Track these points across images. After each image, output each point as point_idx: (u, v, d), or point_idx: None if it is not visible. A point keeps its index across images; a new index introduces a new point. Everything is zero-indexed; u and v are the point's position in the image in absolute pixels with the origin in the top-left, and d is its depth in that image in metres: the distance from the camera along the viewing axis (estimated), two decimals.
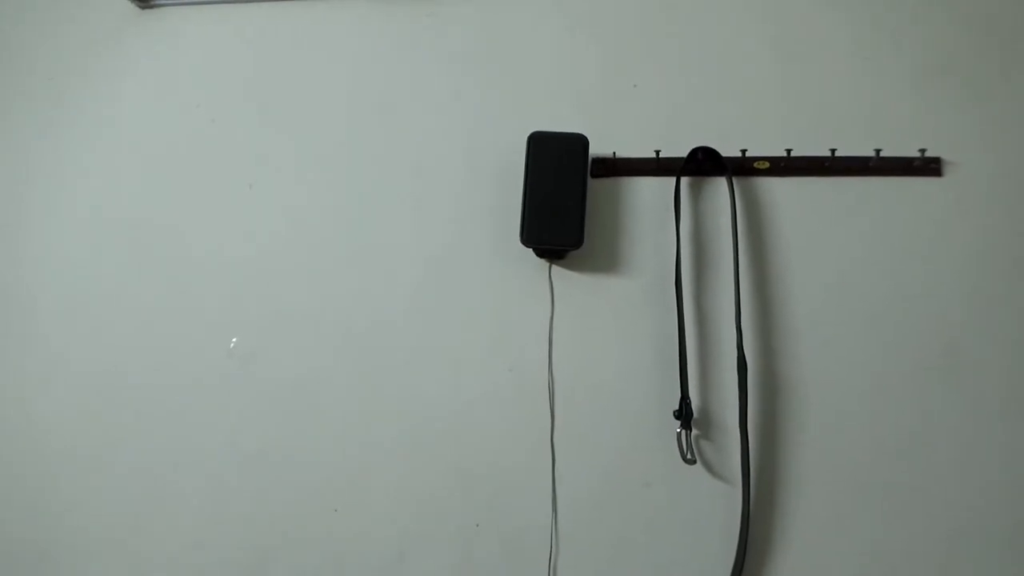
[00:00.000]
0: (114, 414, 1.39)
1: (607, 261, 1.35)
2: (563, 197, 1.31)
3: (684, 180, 1.37)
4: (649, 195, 1.38)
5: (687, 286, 1.32)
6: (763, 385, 1.27)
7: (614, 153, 1.40)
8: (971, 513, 1.19)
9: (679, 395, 1.24)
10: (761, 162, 1.35)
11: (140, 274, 1.46)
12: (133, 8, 1.64)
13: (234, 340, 1.38)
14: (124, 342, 1.43)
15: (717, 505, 1.23)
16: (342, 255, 1.44)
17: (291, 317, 1.39)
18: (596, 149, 1.39)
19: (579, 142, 1.34)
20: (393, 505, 1.30)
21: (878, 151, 1.32)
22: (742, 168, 1.35)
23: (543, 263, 1.36)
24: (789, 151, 1.34)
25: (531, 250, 1.35)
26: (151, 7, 1.65)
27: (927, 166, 1.32)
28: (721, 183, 1.35)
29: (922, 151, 1.31)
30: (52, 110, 1.60)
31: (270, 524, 1.29)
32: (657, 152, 1.37)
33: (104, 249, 1.49)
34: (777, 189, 1.36)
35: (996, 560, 1.17)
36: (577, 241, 1.30)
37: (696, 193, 1.37)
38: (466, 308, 1.37)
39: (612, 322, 1.33)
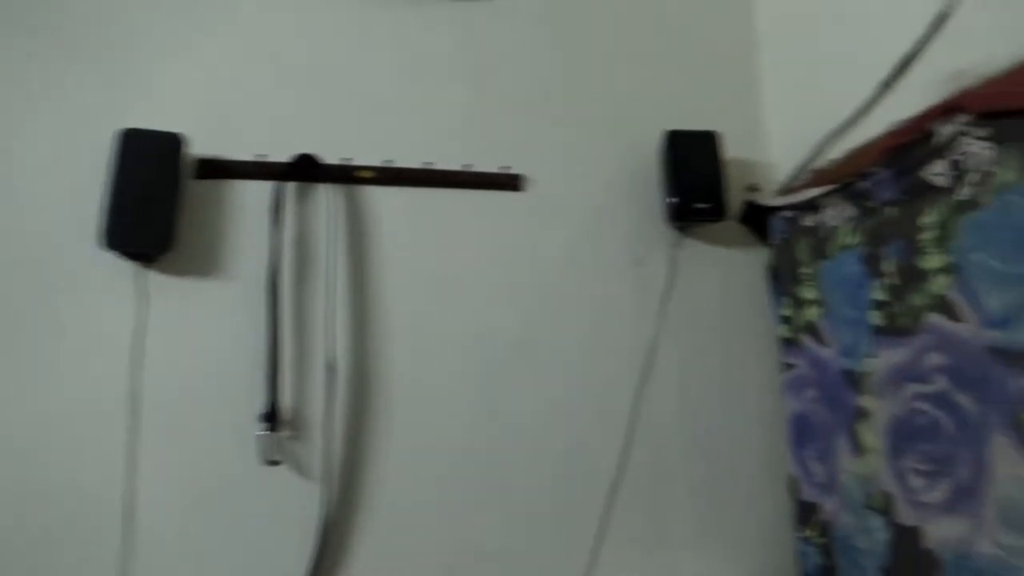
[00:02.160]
0: None
1: (205, 265, 1.48)
2: (153, 198, 1.43)
3: (289, 186, 1.57)
4: (252, 199, 1.52)
5: (288, 291, 1.50)
6: (355, 387, 1.49)
7: (218, 155, 1.54)
8: (540, 495, 1.52)
9: (266, 397, 1.39)
10: (364, 171, 1.62)
11: None
12: None
13: None
14: None
15: (302, 504, 1.40)
16: None
17: None
18: (200, 150, 1.51)
19: (173, 141, 1.46)
20: None
21: (468, 166, 1.66)
22: (344, 176, 1.59)
23: (132, 267, 1.45)
24: (389, 161, 1.61)
25: (117, 255, 1.39)
26: None
27: (510, 181, 1.68)
28: (324, 190, 1.58)
29: (505, 168, 1.68)
30: None
31: None
32: (261, 156, 1.55)
33: None
34: (378, 197, 1.60)
35: (547, 535, 1.53)
36: (166, 243, 1.42)
37: (301, 199, 1.58)
38: (49, 316, 1.41)
39: (206, 327, 1.44)
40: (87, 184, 1.42)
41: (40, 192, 1.43)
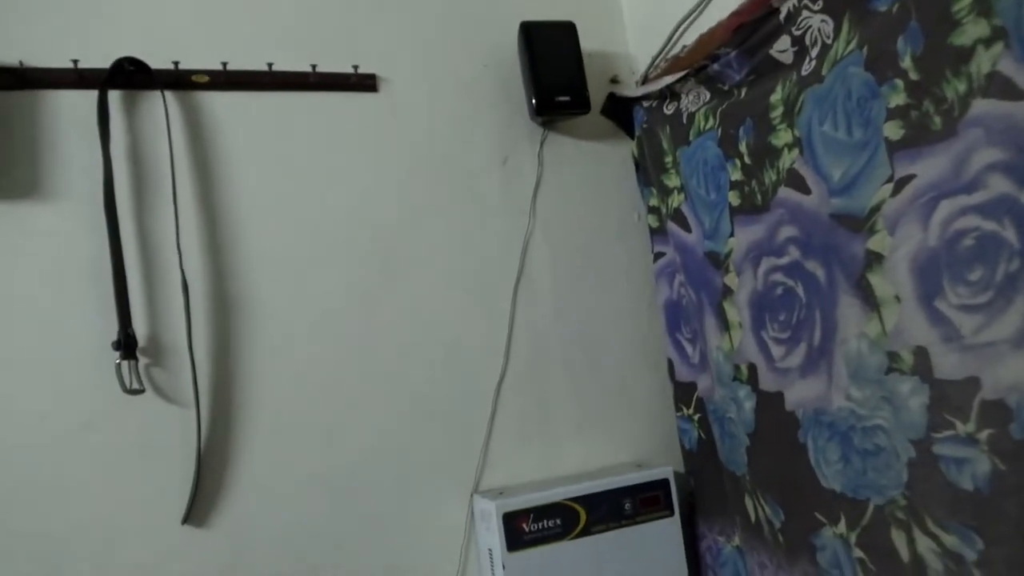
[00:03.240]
0: None
1: (24, 187, 1.38)
2: None
3: (113, 95, 1.48)
4: (71, 111, 1.42)
5: (126, 209, 1.43)
6: (212, 305, 1.46)
7: (20, 62, 1.43)
8: (425, 398, 1.61)
9: (119, 325, 1.34)
10: (199, 75, 1.56)
11: None
12: None
13: None
14: None
15: (173, 429, 1.39)
16: None
17: None
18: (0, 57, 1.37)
19: None
20: None
21: (314, 66, 1.63)
22: (178, 82, 1.52)
23: None
24: (225, 64, 1.56)
25: None
26: None
27: (363, 82, 1.67)
28: (156, 98, 1.52)
29: (356, 67, 1.67)
30: None
31: None
32: (75, 62, 1.45)
33: None
34: (217, 103, 1.54)
35: (432, 435, 1.62)
36: None
37: (128, 109, 1.50)
38: None
39: (37, 255, 1.36)
40: None
41: None
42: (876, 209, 1.07)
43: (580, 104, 1.62)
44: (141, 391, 1.35)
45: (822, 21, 1.14)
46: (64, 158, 1.41)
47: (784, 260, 1.24)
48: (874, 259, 1.07)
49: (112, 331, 1.35)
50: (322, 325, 1.51)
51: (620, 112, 1.72)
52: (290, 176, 1.54)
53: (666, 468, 1.49)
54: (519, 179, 1.70)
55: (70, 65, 1.42)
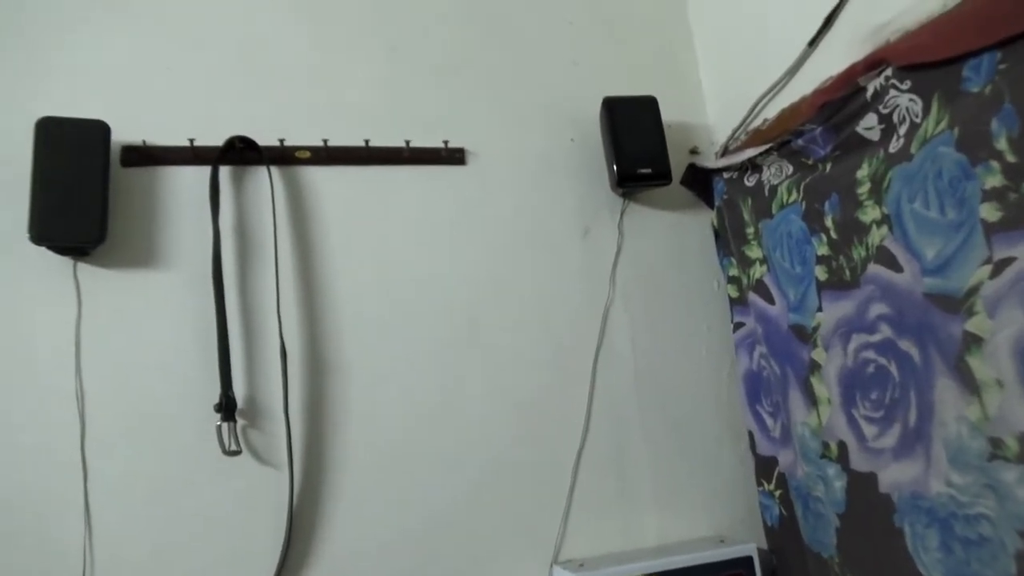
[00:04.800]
0: None
1: (141, 255, 1.49)
2: (80, 188, 1.43)
3: (224, 170, 1.60)
4: (185, 185, 1.54)
5: (231, 278, 1.53)
6: (306, 370, 1.53)
7: (144, 141, 1.57)
8: (506, 466, 1.62)
9: (221, 388, 1.42)
10: (302, 151, 1.67)
11: None
12: None
13: None
14: None
15: (267, 490, 1.44)
16: None
17: None
18: (124, 136, 1.53)
19: (98, 128, 1.46)
20: None
21: (408, 142, 1.74)
22: (282, 157, 1.64)
23: (67, 262, 1.49)
24: (326, 141, 1.68)
25: (48, 249, 1.39)
26: None
27: (452, 156, 1.76)
28: (262, 172, 1.64)
29: (446, 142, 1.77)
30: None
31: None
32: (191, 140, 1.58)
33: None
34: (317, 177, 1.64)
35: (513, 501, 1.61)
36: (98, 235, 1.44)
37: (237, 183, 1.63)
38: None
39: (149, 319, 1.45)
40: (10, 179, 1.41)
41: None
42: (974, 291, 1.06)
43: (661, 175, 1.67)
44: (238, 452, 1.41)
45: (910, 100, 1.16)
46: (178, 229, 1.52)
47: (876, 337, 1.24)
48: (972, 341, 1.06)
49: (213, 393, 1.41)
50: (407, 391, 1.56)
51: (700, 182, 1.76)
52: (383, 246, 1.62)
53: (749, 545, 1.48)
54: (600, 249, 1.75)
55: (187, 143, 1.52)
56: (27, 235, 1.35)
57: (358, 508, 1.48)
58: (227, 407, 1.41)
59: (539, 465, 1.59)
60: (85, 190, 1.41)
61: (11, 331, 1.39)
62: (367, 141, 1.62)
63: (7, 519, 1.32)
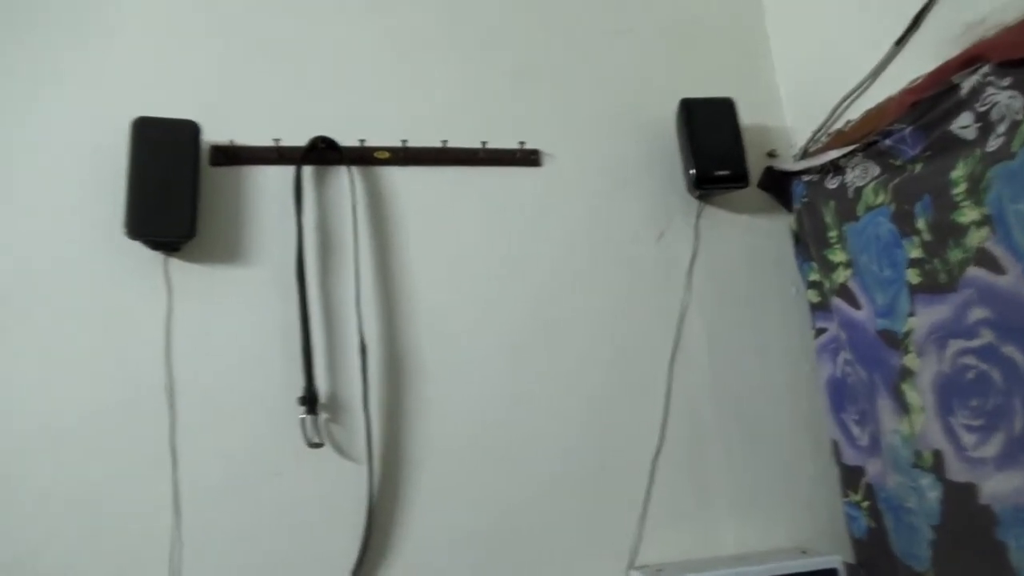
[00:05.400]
0: None
1: (228, 251, 1.54)
2: (172, 186, 1.49)
3: (307, 169, 1.64)
4: (271, 184, 1.59)
5: (312, 274, 1.56)
6: (384, 365, 1.55)
7: (231, 141, 1.62)
8: (565, 463, 1.61)
9: (304, 382, 1.45)
10: (381, 152, 1.70)
11: None
12: None
13: None
14: None
15: (347, 483, 1.46)
16: None
17: None
18: (213, 136, 1.58)
19: (189, 128, 1.52)
20: (6, 512, 1.34)
21: (484, 143, 1.75)
22: (362, 158, 1.66)
23: (158, 257, 1.54)
24: (405, 141, 1.70)
25: (143, 244, 1.45)
26: None
27: (527, 157, 1.77)
28: (342, 172, 1.67)
29: (521, 143, 1.78)
30: None
31: None
32: (276, 140, 1.63)
33: None
34: (396, 177, 1.67)
35: (586, 502, 1.61)
36: (189, 232, 1.49)
37: (319, 182, 1.67)
38: (70, 309, 1.45)
39: (235, 314, 1.49)
40: (106, 176, 1.48)
41: (60, 185, 1.50)
42: None
43: (739, 178, 1.65)
44: (321, 445, 1.43)
45: (1010, 97, 1.12)
46: (262, 227, 1.56)
47: (976, 343, 1.19)
48: None
49: (296, 386, 1.44)
50: (482, 389, 1.57)
51: (777, 186, 1.73)
52: (458, 245, 1.64)
53: (834, 557, 1.43)
54: (673, 252, 1.73)
55: (272, 143, 1.55)
56: (123, 230, 1.40)
57: (434, 503, 1.49)
58: (310, 401, 1.43)
59: (613, 467, 1.58)
60: (177, 187, 1.46)
61: (105, 323, 1.45)
62: (444, 142, 1.63)
63: (99, 506, 1.37)
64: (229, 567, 1.38)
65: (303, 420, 1.42)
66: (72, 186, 1.48)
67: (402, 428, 1.50)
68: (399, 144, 1.62)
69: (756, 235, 1.75)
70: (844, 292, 1.51)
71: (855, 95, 1.52)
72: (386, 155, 1.57)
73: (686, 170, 1.68)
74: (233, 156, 1.56)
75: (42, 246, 1.45)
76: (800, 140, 1.71)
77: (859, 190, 1.44)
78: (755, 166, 1.73)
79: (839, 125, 1.56)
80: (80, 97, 1.53)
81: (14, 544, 1.31)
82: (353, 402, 1.49)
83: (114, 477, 1.38)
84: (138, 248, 1.45)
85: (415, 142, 1.64)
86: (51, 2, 1.56)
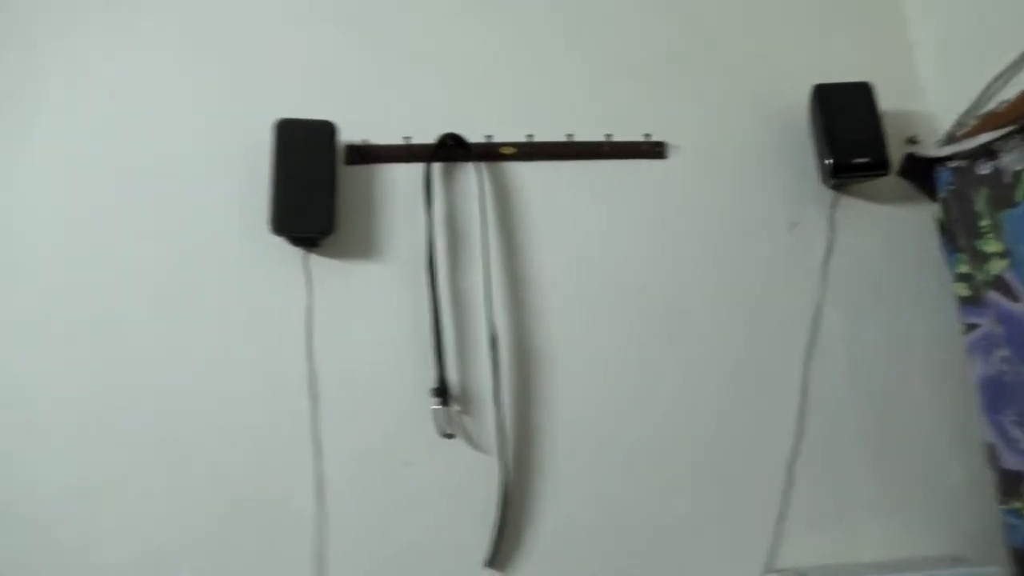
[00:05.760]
0: None
1: (363, 247, 1.59)
2: (312, 184, 1.55)
3: (435, 166, 1.67)
4: (402, 181, 1.63)
5: (442, 268, 1.59)
6: (514, 358, 1.57)
7: (364, 140, 1.68)
8: (695, 459, 1.59)
9: (436, 373, 1.48)
10: (507, 147, 1.73)
11: None
12: None
13: None
14: None
15: (478, 474, 1.48)
16: (82, 255, 1.57)
17: (32, 319, 1.53)
18: (348, 136, 1.64)
19: (326, 129, 1.58)
20: (149, 506, 1.44)
21: (609, 136, 1.75)
22: (489, 153, 1.69)
23: (298, 252, 1.61)
24: (530, 136, 1.72)
25: (284, 239, 1.52)
26: None
27: (653, 149, 1.75)
28: (470, 168, 1.70)
29: (647, 136, 1.76)
30: None
31: None
32: (407, 139, 1.67)
33: None
34: (522, 172, 1.68)
35: (718, 501, 1.57)
36: (328, 228, 1.55)
37: (448, 178, 1.70)
38: (217, 302, 1.53)
39: (370, 307, 1.54)
40: (250, 176, 1.57)
41: (206, 184, 1.61)
42: None
43: (879, 165, 1.57)
44: (453, 436, 1.44)
45: None
46: (394, 223, 1.61)
47: None
48: None
49: (428, 378, 1.47)
50: (610, 383, 1.56)
51: (920, 173, 1.62)
52: (585, 238, 1.63)
53: (993, 568, 1.33)
54: (807, 244, 1.66)
55: (403, 142, 1.59)
56: (267, 227, 1.46)
57: (564, 497, 1.49)
58: (443, 392, 1.45)
59: (746, 466, 1.54)
60: (317, 185, 1.52)
61: (249, 316, 1.54)
62: (569, 136, 1.63)
63: (243, 492, 1.46)
64: (368, 554, 1.43)
65: (436, 411, 1.42)
66: (222, 186, 1.60)
67: (531, 420, 1.50)
68: (524, 139, 1.61)
69: (896, 225, 1.66)
70: (1000, 284, 1.41)
71: (1009, 73, 1.39)
72: (512, 150, 1.58)
73: (820, 159, 1.59)
74: (367, 155, 1.61)
75: (200, 246, 1.57)
76: (944, 125, 1.60)
77: (1018, 174, 1.35)
78: (894, 153, 1.63)
79: (991, 106, 1.44)
80: (226, 104, 1.66)
81: (170, 532, 1.42)
82: (484, 394, 1.50)
83: (258, 464, 1.48)
84: (280, 245, 1.51)
85: (540, 137, 1.64)
86: (201, 21, 1.70)
